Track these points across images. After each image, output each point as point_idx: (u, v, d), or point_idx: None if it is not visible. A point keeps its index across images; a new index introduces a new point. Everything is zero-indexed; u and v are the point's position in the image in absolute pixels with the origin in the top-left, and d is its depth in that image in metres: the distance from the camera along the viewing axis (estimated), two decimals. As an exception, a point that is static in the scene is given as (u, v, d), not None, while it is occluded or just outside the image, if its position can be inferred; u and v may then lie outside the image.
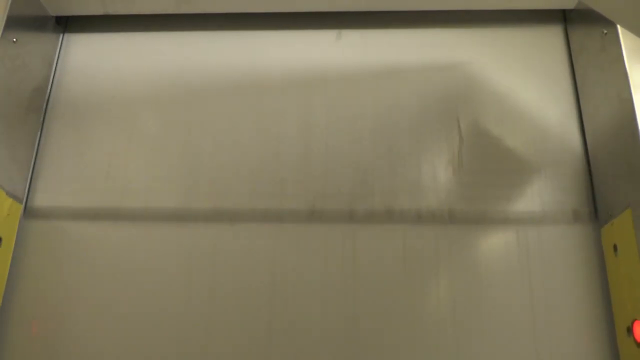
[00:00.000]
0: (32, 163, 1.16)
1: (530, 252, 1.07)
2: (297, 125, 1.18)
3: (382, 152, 1.15)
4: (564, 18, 1.25)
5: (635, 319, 0.92)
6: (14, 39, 1.08)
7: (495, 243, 1.08)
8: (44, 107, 1.20)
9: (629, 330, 0.94)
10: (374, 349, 1.02)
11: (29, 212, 1.12)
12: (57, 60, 1.25)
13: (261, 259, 1.08)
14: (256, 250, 1.09)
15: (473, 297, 1.05)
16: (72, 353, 1.04)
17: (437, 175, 1.12)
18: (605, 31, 1.08)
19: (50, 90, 1.23)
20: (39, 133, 1.18)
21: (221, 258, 1.08)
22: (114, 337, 1.04)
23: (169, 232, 1.11)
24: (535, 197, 1.11)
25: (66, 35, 1.28)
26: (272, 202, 1.12)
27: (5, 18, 1.05)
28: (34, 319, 1.06)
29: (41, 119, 1.19)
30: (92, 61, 1.26)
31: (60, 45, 1.27)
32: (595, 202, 1.09)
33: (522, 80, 1.20)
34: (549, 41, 1.24)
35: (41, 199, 1.14)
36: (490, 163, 1.13)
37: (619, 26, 1.03)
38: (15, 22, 1.09)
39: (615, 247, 1.00)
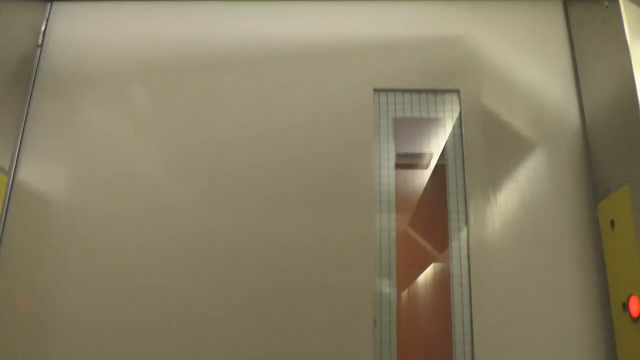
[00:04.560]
0: (20, 135, 1.13)
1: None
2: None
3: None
4: (563, -8, 1.23)
5: (632, 294, 0.91)
6: (-2, 5, 1.05)
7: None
8: (32, 78, 1.17)
9: (625, 305, 0.93)
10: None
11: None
12: (45, 30, 1.22)
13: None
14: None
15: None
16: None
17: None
18: (606, 4, 1.05)
19: (39, 61, 1.19)
20: (26, 104, 1.15)
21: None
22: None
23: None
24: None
25: (54, 4, 1.24)
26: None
27: (-13, -18, 1.02)
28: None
29: (29, 90, 1.16)
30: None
31: (48, 15, 1.23)
32: (593, 177, 1.08)
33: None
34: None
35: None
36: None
37: (620, -2, 1.01)
38: (-1, -13, 1.05)
39: (612, 223, 0.99)
